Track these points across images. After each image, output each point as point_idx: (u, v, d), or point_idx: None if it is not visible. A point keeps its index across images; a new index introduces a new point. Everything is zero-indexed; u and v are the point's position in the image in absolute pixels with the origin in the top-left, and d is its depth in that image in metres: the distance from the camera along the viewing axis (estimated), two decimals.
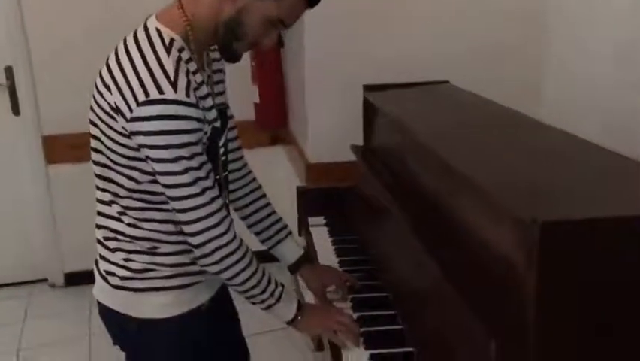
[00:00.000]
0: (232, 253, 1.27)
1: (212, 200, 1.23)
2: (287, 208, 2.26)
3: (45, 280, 3.51)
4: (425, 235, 1.38)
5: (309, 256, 1.63)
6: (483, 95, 1.92)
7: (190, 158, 1.18)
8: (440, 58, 2.41)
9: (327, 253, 1.85)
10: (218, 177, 1.34)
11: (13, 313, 3.22)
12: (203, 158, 1.22)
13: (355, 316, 1.49)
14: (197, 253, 1.26)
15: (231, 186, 1.53)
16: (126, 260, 1.33)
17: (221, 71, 1.43)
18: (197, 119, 1.18)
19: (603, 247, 0.92)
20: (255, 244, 1.56)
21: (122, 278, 1.33)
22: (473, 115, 1.76)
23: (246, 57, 3.22)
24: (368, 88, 2.13)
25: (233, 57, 1.32)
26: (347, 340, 1.37)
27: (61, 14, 3.12)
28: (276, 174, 3.27)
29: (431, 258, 1.31)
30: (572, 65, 2.32)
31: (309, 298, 1.61)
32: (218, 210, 1.25)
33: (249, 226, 1.57)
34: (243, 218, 1.57)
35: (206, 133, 1.24)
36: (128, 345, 1.43)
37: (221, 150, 1.38)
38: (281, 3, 1.22)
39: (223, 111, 1.39)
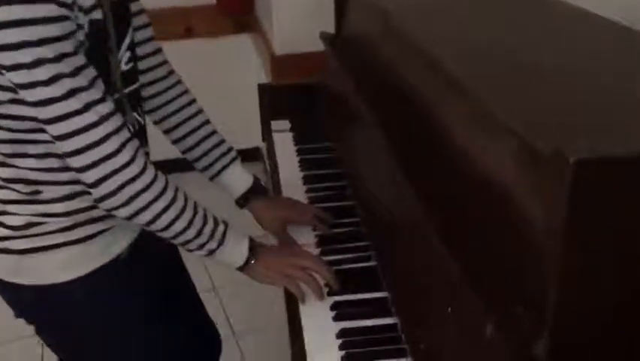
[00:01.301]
0: (145, 190, 0.95)
1: (104, 118, 0.90)
2: (254, 109, 1.94)
3: None
4: (404, 151, 1.08)
5: (261, 185, 1.30)
6: None
7: (57, 60, 0.84)
8: None
9: (290, 166, 1.55)
10: (117, 95, 1.00)
11: None
12: (80, 60, 0.88)
13: (319, 250, 1.22)
14: (96, 193, 0.93)
15: (153, 103, 1.19)
16: (1, 213, 1.01)
17: None
18: (58, 3, 0.83)
19: None
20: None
21: (1, 238, 1.02)
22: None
23: None
24: None
25: None
26: (313, 291, 1.09)
27: None
28: (241, 68, 2.92)
29: (410, 183, 1.02)
30: None
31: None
32: (115, 132, 0.91)
33: (184, 152, 1.24)
34: (175, 142, 1.23)
35: (81, 27, 0.89)
36: (32, 318, 1.12)
37: (127, 56, 1.03)
38: None
39: (121, 3, 1.02)
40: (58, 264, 1.03)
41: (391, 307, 1.06)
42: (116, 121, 0.92)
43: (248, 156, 2.51)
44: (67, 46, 0.85)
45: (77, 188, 0.99)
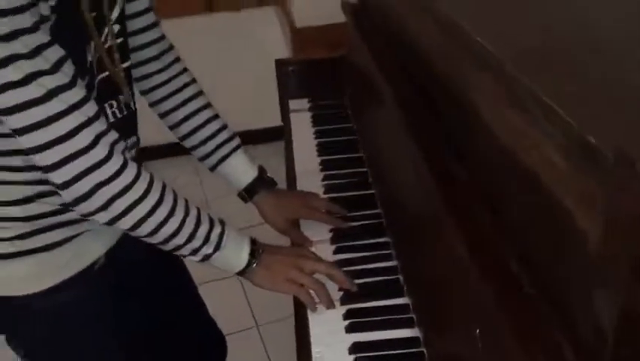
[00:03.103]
0: (126, 190, 0.82)
1: (74, 107, 0.76)
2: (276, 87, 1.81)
3: None
4: (433, 138, 0.94)
5: (267, 177, 1.16)
6: None
7: (9, 38, 0.70)
8: None
9: (306, 150, 1.41)
10: (106, 73, 0.88)
11: None
12: (41, 38, 0.73)
13: (333, 247, 1.09)
14: (67, 196, 0.81)
15: (148, 83, 1.06)
16: None
17: None
18: None
19: None
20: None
21: None
22: None
23: None
24: None
25: None
26: (320, 298, 0.96)
27: None
28: (266, 42, 2.77)
29: (439, 172, 0.87)
30: None
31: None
32: (87, 123, 0.78)
33: (182, 139, 1.11)
34: (172, 127, 1.10)
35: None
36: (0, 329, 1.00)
37: (116, 28, 0.90)
38: None
39: None
40: (18, 274, 0.90)
41: (414, 317, 0.92)
42: (87, 110, 0.78)
43: (273, 135, 2.39)
44: (23, 21, 0.71)
45: (39, 189, 0.86)
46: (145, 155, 1.06)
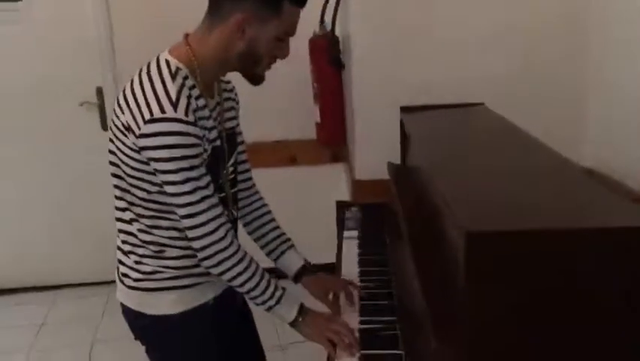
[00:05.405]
0: (230, 257, 1.43)
1: (211, 207, 1.39)
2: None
3: None
4: (421, 256, 1.49)
5: (309, 266, 1.76)
6: (526, 114, 1.97)
7: (190, 169, 1.34)
8: (487, 79, 2.48)
9: (350, 264, 1.98)
10: (223, 194, 1.52)
11: (93, 310, 3.57)
12: (202, 170, 1.38)
13: (359, 320, 1.63)
14: (200, 255, 1.43)
15: (241, 203, 1.70)
16: (137, 263, 1.51)
17: (232, 99, 1.62)
18: (195, 136, 1.34)
19: (527, 258, 1.01)
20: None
21: (135, 280, 1.52)
22: (485, 139, 1.84)
23: (309, 79, 3.42)
24: (405, 109, 2.25)
25: (258, 80, 1.50)
26: (341, 349, 1.49)
27: (150, 41, 3.40)
28: (335, 190, 3.44)
29: (418, 278, 1.42)
30: (620, 82, 2.30)
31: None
32: (217, 217, 1.40)
33: (256, 240, 1.74)
34: (250, 232, 1.74)
35: (206, 150, 1.41)
36: (146, 339, 1.61)
37: (231, 169, 1.57)
38: (282, 18, 1.38)
39: (231, 135, 1.57)
40: (168, 301, 1.52)
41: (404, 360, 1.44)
42: (216, 210, 1.41)
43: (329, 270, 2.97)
44: (196, 161, 1.36)
45: (188, 252, 1.48)
46: None
